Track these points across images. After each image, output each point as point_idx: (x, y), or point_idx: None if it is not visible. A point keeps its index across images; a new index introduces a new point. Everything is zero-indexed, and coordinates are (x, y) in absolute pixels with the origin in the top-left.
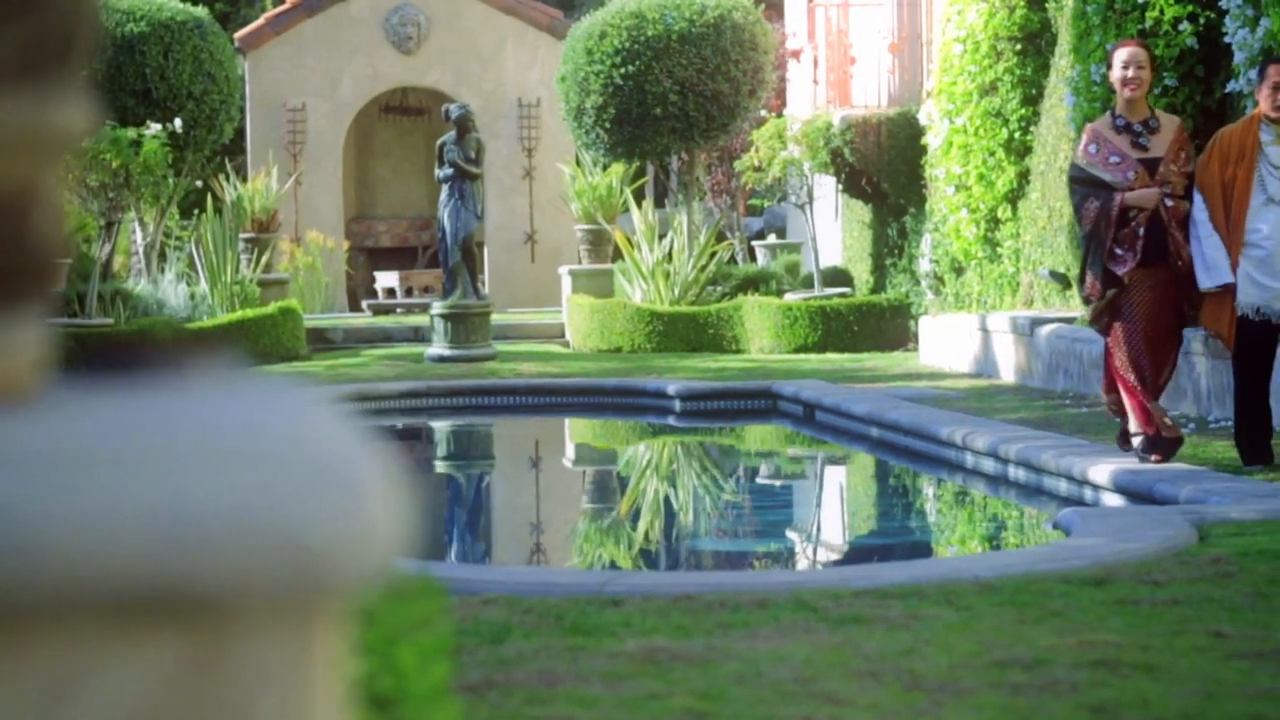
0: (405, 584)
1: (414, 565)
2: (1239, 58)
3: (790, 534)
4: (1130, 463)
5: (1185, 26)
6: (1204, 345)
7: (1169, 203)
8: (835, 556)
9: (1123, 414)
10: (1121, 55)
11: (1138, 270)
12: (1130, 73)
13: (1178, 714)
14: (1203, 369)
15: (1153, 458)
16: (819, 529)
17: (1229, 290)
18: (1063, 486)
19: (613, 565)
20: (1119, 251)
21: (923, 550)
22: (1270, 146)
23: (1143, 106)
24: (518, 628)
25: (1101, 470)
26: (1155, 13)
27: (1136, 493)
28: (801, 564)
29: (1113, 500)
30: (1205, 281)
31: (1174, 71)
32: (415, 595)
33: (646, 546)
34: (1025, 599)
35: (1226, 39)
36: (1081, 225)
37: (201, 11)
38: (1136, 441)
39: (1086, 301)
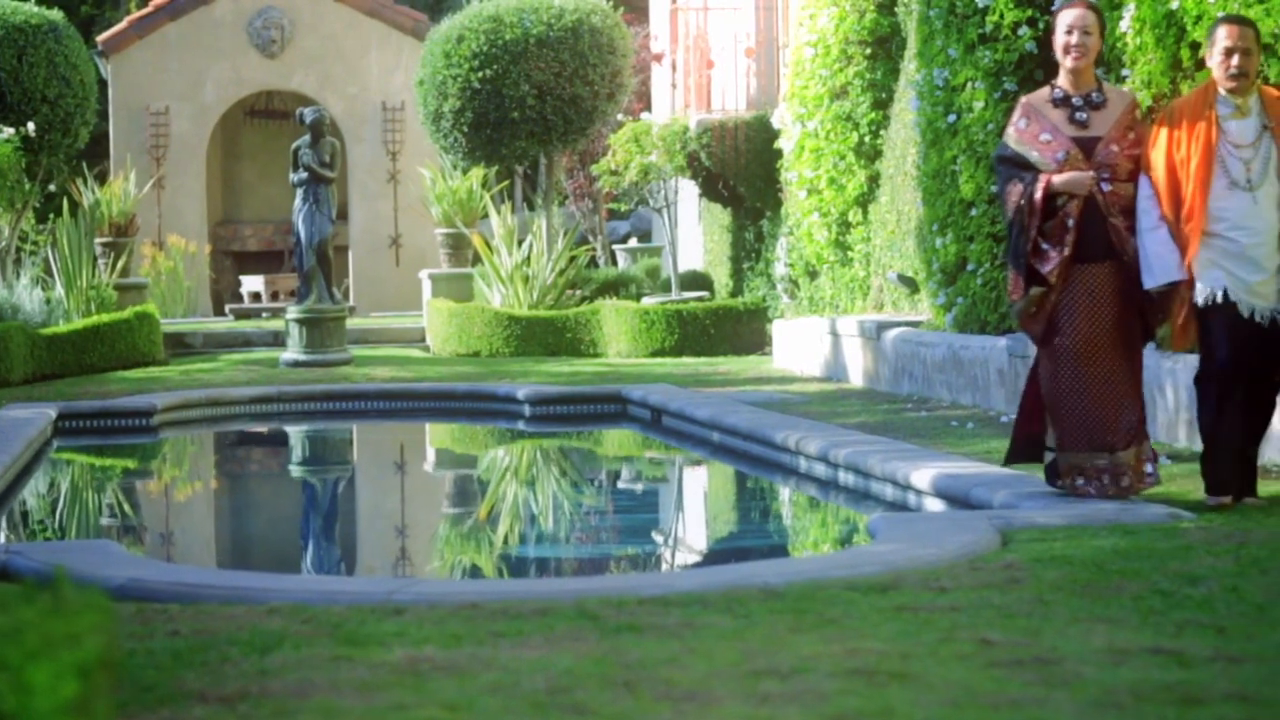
0: (68, 598)
1: (84, 578)
2: None
3: (605, 540)
4: (950, 467)
5: (1025, 31)
6: None
7: (1107, 188)
8: (639, 563)
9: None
10: (1066, 18)
11: (1075, 267)
12: (1074, 39)
13: None
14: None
15: (1059, 483)
16: (636, 535)
17: (1177, 289)
18: (889, 491)
19: (405, 572)
20: (1044, 246)
21: (736, 556)
22: (1229, 122)
23: (1088, 78)
24: (291, 637)
25: (923, 474)
26: (995, 17)
27: (954, 497)
28: (601, 571)
29: (935, 505)
30: (1148, 280)
31: (1014, 76)
32: (74, 610)
33: (459, 553)
34: (806, 606)
35: None
36: (1004, 212)
37: (57, 15)
38: (1047, 456)
39: (1011, 301)
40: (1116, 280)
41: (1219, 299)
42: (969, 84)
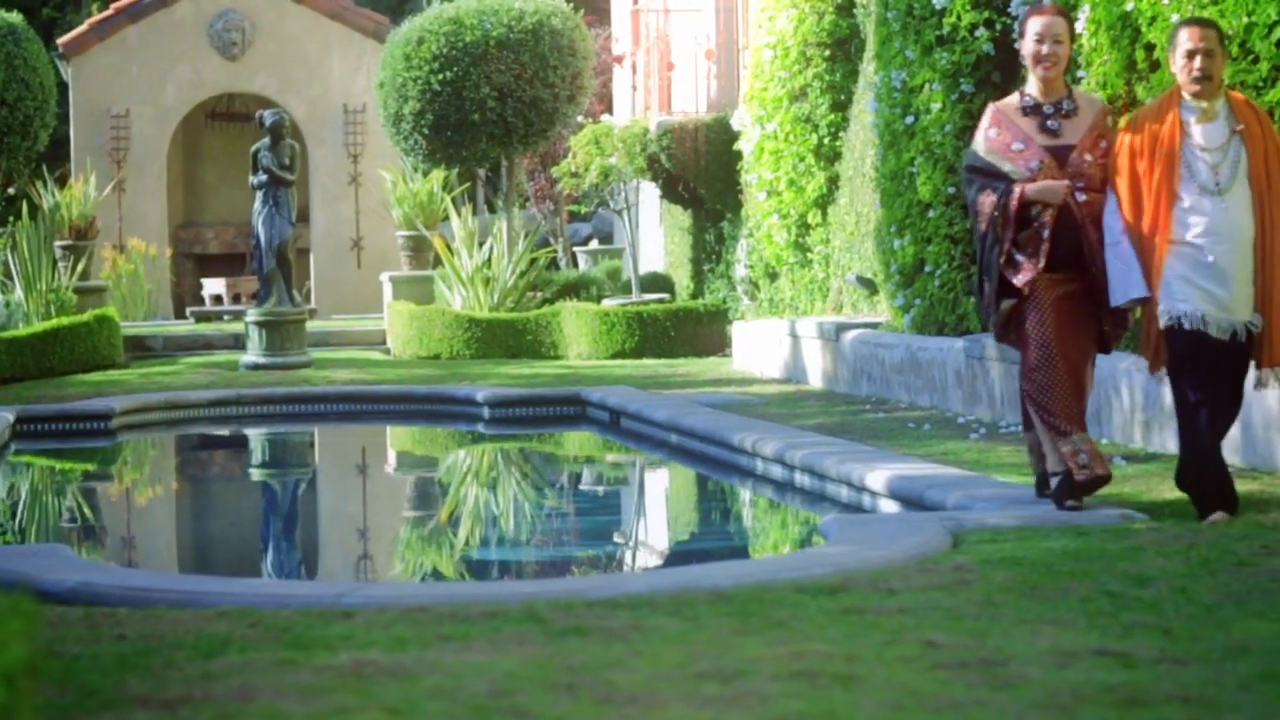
0: None
1: (32, 582)
2: None
3: (561, 543)
4: (904, 468)
5: (982, 32)
6: (997, 351)
7: (1081, 197)
8: (593, 565)
9: (1039, 456)
10: (1035, 26)
11: (1042, 276)
12: (1045, 48)
13: None
14: (996, 374)
15: (1068, 503)
16: (592, 537)
17: (1145, 304)
18: (844, 493)
19: (356, 576)
20: (1019, 257)
21: (691, 558)
22: (1196, 126)
23: (1058, 85)
24: (237, 641)
25: (877, 476)
26: (952, 19)
27: (908, 499)
28: (554, 573)
29: (889, 506)
30: (1115, 297)
31: (971, 78)
32: (0, 616)
33: (414, 556)
34: (754, 609)
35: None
36: (976, 222)
37: (16, 17)
38: (1054, 481)
39: (986, 314)
40: (1082, 291)
41: (1183, 324)
42: (926, 85)
